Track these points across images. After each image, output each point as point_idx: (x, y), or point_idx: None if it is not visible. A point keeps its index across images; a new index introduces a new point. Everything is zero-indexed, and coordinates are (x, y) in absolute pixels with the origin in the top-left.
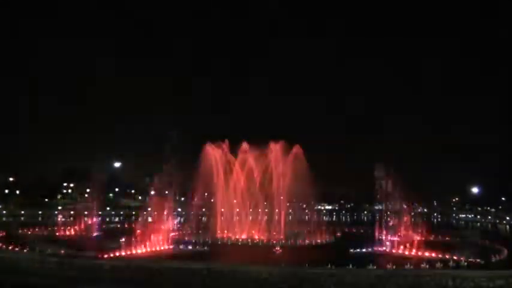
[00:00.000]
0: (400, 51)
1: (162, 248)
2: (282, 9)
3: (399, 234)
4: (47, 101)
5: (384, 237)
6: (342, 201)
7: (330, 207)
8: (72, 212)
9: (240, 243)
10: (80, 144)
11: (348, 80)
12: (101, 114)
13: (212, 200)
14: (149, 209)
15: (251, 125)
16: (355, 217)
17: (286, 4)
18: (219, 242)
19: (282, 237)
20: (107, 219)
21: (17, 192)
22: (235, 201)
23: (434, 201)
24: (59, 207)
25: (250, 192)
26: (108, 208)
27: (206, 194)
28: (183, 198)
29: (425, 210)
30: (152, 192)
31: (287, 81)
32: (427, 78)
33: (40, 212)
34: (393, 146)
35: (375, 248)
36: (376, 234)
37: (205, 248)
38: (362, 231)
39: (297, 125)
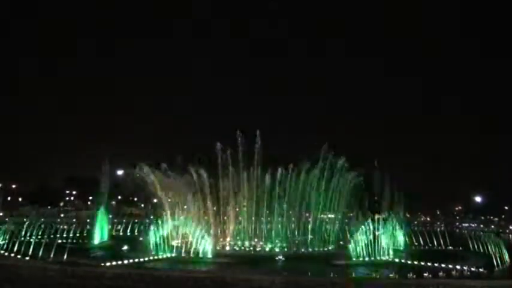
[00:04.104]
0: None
1: (164, 255)
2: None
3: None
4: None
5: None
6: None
7: (332, 215)
8: (74, 220)
9: (242, 252)
10: (81, 151)
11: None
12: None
13: (214, 208)
14: (152, 216)
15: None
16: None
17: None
18: (221, 251)
19: (284, 245)
20: (110, 227)
21: (19, 199)
22: (237, 209)
23: (437, 210)
24: (61, 215)
25: (252, 201)
26: (110, 216)
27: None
28: (185, 206)
29: (428, 219)
30: (154, 200)
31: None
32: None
33: (42, 220)
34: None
35: (378, 257)
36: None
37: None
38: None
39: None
